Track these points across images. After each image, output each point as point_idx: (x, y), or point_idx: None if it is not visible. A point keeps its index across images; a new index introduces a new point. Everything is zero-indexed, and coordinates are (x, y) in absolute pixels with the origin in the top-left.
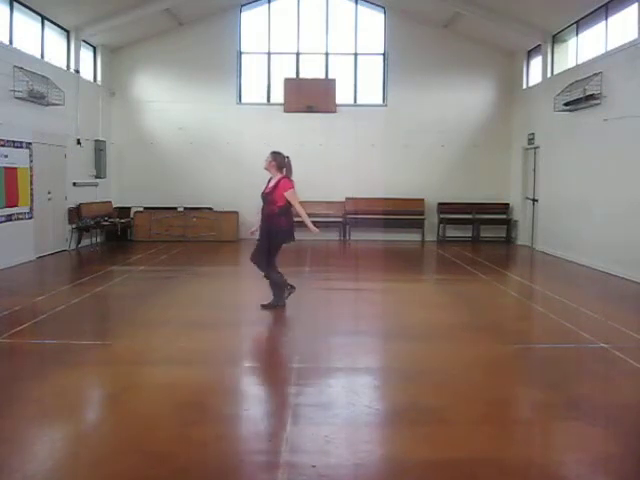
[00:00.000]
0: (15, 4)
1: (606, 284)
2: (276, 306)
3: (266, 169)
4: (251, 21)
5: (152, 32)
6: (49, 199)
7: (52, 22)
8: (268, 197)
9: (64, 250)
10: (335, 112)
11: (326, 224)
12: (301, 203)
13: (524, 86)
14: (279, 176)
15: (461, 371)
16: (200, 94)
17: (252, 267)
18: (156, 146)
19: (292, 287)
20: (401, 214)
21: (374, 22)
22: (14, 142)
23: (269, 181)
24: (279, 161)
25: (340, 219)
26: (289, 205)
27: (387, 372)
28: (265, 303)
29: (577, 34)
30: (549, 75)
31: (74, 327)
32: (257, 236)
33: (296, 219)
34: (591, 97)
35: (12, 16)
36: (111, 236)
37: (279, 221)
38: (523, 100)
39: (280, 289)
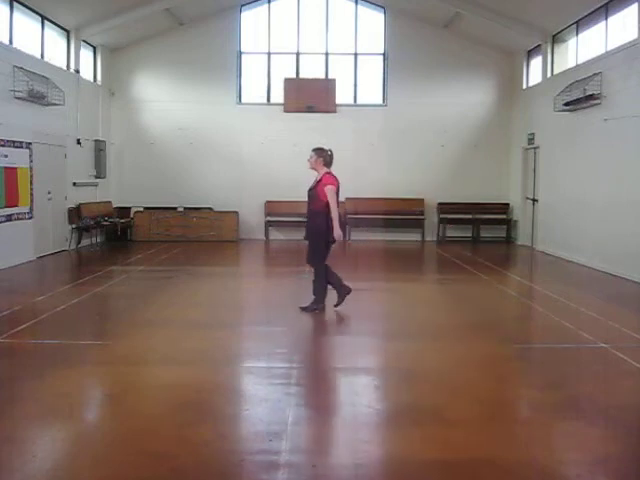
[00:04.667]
0: (15, 4)
1: (606, 284)
2: (310, 311)
3: (312, 169)
4: (251, 21)
5: (152, 32)
6: (49, 199)
7: (52, 22)
8: (312, 193)
9: (64, 250)
10: (335, 112)
11: None
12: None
13: (524, 86)
14: (323, 171)
15: (461, 371)
16: (200, 94)
17: (252, 267)
18: (156, 146)
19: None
20: (401, 214)
21: (374, 22)
22: (14, 142)
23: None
24: (325, 157)
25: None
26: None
27: (387, 372)
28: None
29: (577, 34)
30: (549, 75)
31: (74, 327)
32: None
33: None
34: (591, 97)
35: (12, 16)
36: (111, 236)
37: (327, 220)
38: (523, 100)
39: (319, 295)
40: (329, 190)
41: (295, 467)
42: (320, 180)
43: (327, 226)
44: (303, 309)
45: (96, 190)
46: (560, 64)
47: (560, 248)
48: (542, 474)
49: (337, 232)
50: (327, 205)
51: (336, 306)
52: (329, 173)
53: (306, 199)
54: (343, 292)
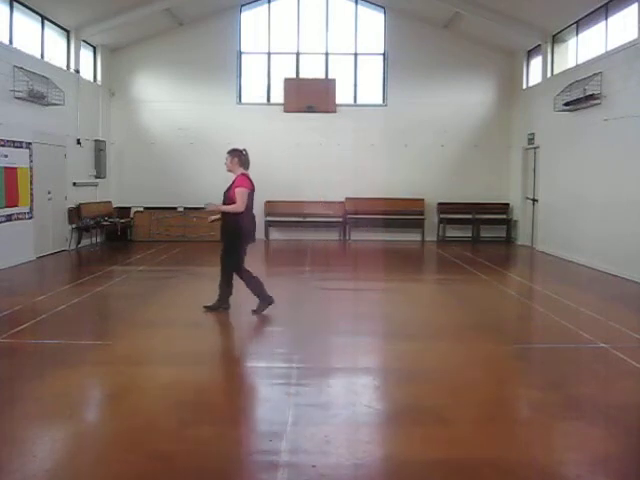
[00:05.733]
0: (15, 4)
1: (606, 284)
2: (218, 308)
3: (230, 171)
4: (251, 21)
5: (152, 32)
6: (49, 199)
7: (52, 22)
8: (227, 194)
9: (64, 250)
10: (335, 112)
11: (326, 224)
12: (238, 204)
13: (524, 86)
14: (239, 172)
15: (461, 371)
16: (200, 94)
17: (251, 267)
18: (156, 146)
19: (226, 306)
20: (401, 214)
21: (374, 22)
22: (14, 142)
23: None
24: (241, 158)
25: (340, 219)
26: (249, 203)
27: (387, 372)
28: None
29: (577, 34)
30: (549, 75)
31: (74, 327)
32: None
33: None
34: (591, 97)
35: (12, 16)
36: (111, 236)
37: (242, 220)
38: (523, 100)
39: (225, 293)
40: (239, 192)
41: (295, 467)
42: (233, 182)
43: (240, 227)
44: (208, 308)
45: (96, 190)
46: (560, 64)
47: (560, 248)
48: (542, 474)
49: (213, 204)
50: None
51: (255, 312)
52: (244, 174)
53: (306, 199)
54: (266, 301)
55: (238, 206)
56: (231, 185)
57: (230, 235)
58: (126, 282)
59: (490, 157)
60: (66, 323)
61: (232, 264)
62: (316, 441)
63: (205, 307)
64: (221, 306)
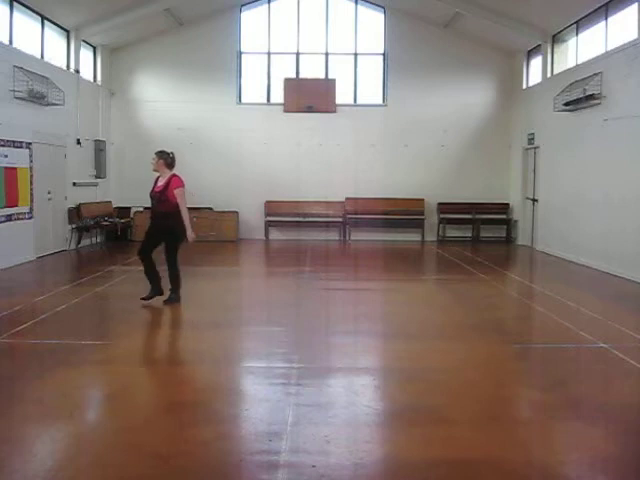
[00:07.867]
0: (15, 4)
1: (606, 284)
2: (173, 302)
3: (155, 170)
4: (251, 21)
5: (152, 32)
6: (49, 199)
7: (52, 22)
8: (161, 196)
9: (64, 250)
10: (335, 112)
11: (326, 224)
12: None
13: (524, 86)
14: (170, 174)
15: (461, 371)
16: (200, 94)
17: (252, 267)
18: (156, 146)
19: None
20: (401, 214)
21: (374, 22)
22: (14, 142)
23: (157, 180)
24: (166, 159)
25: (340, 219)
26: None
27: (387, 372)
28: (165, 299)
29: (577, 34)
30: (549, 75)
31: (74, 327)
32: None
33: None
34: (591, 97)
35: (12, 16)
36: (111, 236)
37: (179, 219)
38: (523, 100)
39: (177, 286)
40: (179, 192)
41: (295, 467)
42: (169, 183)
43: (180, 226)
44: (165, 302)
45: (96, 190)
46: (560, 64)
47: (560, 248)
48: (542, 474)
49: (189, 234)
50: (177, 206)
51: (166, 302)
52: (176, 175)
53: (306, 199)
54: (155, 291)
55: (184, 208)
56: (165, 185)
57: (171, 232)
58: (126, 282)
59: (490, 157)
60: (66, 323)
61: (175, 258)
62: (316, 441)
63: (164, 301)
64: (172, 297)
